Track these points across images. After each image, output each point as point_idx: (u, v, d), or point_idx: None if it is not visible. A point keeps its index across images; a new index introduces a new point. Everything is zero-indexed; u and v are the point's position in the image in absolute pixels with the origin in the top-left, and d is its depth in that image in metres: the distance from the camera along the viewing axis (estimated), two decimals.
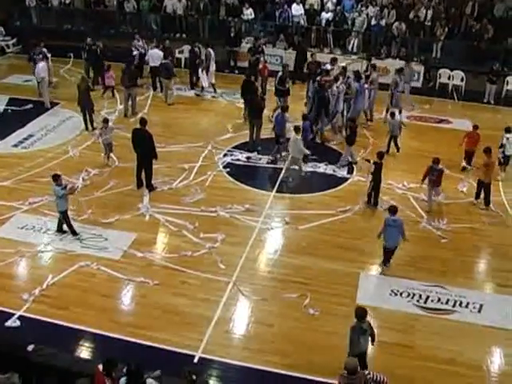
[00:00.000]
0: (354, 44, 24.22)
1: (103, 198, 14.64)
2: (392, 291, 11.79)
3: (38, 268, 12.25)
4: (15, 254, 12.46)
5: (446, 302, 11.52)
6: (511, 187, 15.82)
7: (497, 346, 10.59)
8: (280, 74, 19.25)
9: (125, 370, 8.17)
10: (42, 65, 19.86)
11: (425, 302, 11.50)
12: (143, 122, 15.01)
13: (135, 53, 22.39)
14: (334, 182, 15.91)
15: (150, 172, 14.97)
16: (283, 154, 16.74)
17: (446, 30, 23.26)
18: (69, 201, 13.01)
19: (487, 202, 14.71)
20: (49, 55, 21.70)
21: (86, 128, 18.30)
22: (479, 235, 13.80)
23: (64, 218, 12.99)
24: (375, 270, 12.53)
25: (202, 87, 21.79)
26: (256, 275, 12.23)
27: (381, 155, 14.43)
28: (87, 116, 18.28)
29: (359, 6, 24.73)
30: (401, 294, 11.70)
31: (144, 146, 14.71)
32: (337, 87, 17.72)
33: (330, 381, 9.42)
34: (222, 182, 15.72)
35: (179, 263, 12.35)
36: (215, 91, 21.88)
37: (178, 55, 23.97)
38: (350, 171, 16.28)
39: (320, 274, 12.14)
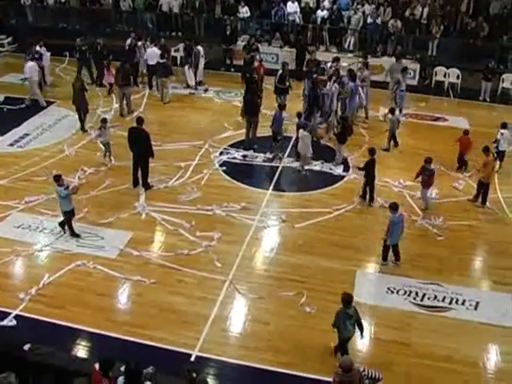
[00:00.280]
0: (350, 42, 24.24)
1: (99, 197, 14.61)
2: (389, 289, 11.80)
3: (35, 267, 12.23)
4: (11, 253, 12.44)
5: (443, 300, 11.54)
6: (507, 184, 15.84)
7: (493, 343, 10.62)
8: (280, 72, 19.22)
9: (122, 368, 8.17)
10: (30, 64, 19.81)
11: (421, 300, 11.52)
12: (140, 120, 14.99)
13: (128, 42, 22.24)
14: (330, 180, 15.91)
15: (146, 171, 14.95)
16: (280, 152, 16.74)
17: (442, 27, 23.24)
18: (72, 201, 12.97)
19: (484, 200, 14.74)
20: (47, 54, 21.71)
21: (82, 128, 18.24)
22: (475, 233, 13.83)
23: (67, 218, 12.92)
24: (372, 267, 12.55)
25: (188, 84, 21.82)
26: (252, 273, 12.23)
27: (372, 151, 14.47)
28: (82, 116, 18.21)
29: (355, 3, 24.72)
30: (397, 292, 11.72)
31: (140, 144, 14.69)
32: (330, 87, 17.67)
33: (325, 378, 9.43)
34: (218, 181, 15.71)
35: (176, 262, 12.35)
36: (202, 89, 21.86)
37: (173, 53, 23.93)
38: (346, 169, 16.30)
39: (316, 272, 12.15)
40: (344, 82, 18.24)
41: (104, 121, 16.17)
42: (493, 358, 10.33)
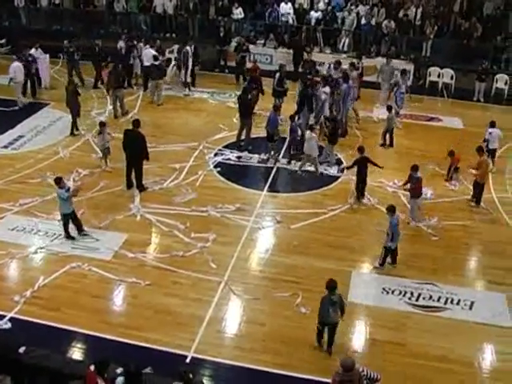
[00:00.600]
0: (344, 43, 24.28)
1: (94, 199, 14.57)
2: (384, 289, 11.81)
3: (29, 269, 12.19)
4: (6, 255, 12.40)
5: (438, 300, 11.57)
6: (501, 184, 15.90)
7: (488, 342, 10.65)
8: (278, 75, 19.11)
9: (119, 370, 8.16)
10: (14, 65, 19.90)
11: (416, 300, 11.54)
12: (136, 123, 14.98)
13: (121, 44, 22.21)
14: (325, 180, 15.92)
15: (140, 173, 14.92)
16: (276, 153, 16.75)
17: (436, 28, 23.31)
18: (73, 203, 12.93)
19: (478, 200, 14.76)
20: (46, 56, 21.73)
21: (77, 129, 18.16)
22: (470, 233, 13.87)
23: (64, 220, 12.86)
24: (367, 267, 12.57)
25: (184, 83, 21.83)
26: (247, 274, 12.23)
27: (361, 149, 14.53)
28: (75, 118, 18.11)
29: (349, 4, 24.76)
30: (392, 292, 11.74)
31: (134, 147, 14.67)
32: (321, 90, 17.66)
33: (321, 379, 9.46)
34: (212, 182, 15.70)
35: (171, 263, 12.33)
36: (189, 89, 21.87)
37: (168, 55, 23.89)
38: (341, 170, 16.31)
39: (311, 273, 12.14)
40: (339, 84, 18.26)
41: (102, 124, 16.06)
42: (488, 357, 10.35)
